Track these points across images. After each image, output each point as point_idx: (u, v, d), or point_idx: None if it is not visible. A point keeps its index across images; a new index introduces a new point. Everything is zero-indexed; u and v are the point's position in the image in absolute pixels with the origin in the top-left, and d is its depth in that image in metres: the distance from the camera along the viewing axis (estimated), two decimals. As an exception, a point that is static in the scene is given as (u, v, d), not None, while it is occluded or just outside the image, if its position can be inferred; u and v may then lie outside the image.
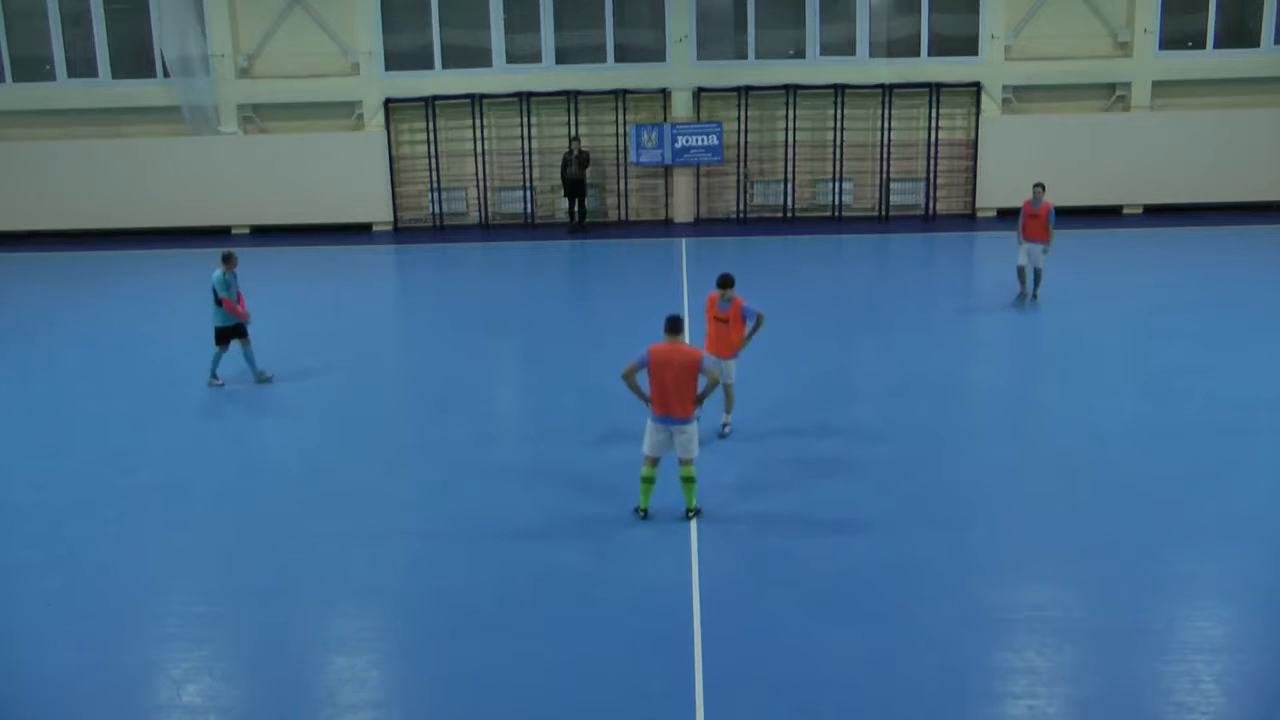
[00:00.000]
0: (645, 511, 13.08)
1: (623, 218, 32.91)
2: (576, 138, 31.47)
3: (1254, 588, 11.65)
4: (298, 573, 12.12)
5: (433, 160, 32.54)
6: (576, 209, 31.75)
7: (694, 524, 12.88)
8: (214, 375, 18.52)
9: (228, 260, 18.32)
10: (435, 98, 32.01)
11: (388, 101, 32.17)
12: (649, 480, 13.01)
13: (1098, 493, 13.85)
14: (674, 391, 12.62)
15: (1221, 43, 32.48)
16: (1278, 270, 26.06)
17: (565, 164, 31.42)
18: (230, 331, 18.39)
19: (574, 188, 31.54)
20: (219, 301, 18.09)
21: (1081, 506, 13.45)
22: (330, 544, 12.72)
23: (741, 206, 32.74)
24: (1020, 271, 22.75)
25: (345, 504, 13.79)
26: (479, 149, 32.44)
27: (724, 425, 15.82)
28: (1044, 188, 22.65)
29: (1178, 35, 32.50)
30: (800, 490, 13.95)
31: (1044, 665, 10.39)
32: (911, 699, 9.76)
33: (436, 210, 32.80)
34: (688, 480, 13.02)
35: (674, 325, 12.74)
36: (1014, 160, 31.45)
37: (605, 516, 13.17)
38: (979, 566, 12.06)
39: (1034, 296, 22.70)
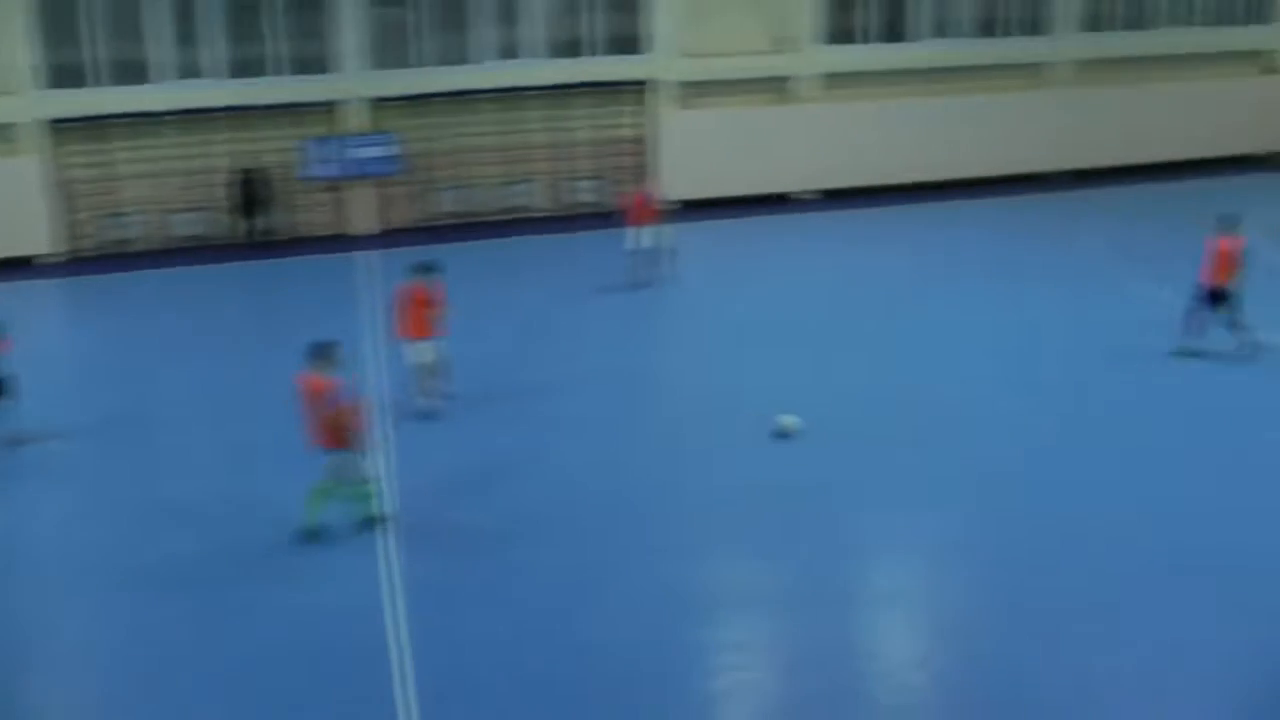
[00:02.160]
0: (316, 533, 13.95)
1: (301, 234, 33.18)
2: (251, 154, 31.83)
3: (946, 543, 13.98)
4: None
5: (103, 184, 32.07)
6: (253, 225, 32.11)
7: (386, 536, 14.04)
8: None
9: None
10: (101, 117, 31.55)
11: (50, 122, 31.37)
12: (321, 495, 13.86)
13: (776, 468, 16.10)
14: (313, 420, 13.51)
15: (879, 37, 35.60)
16: (924, 246, 29.51)
17: (238, 181, 31.76)
18: None
19: (250, 205, 31.94)
20: None
21: (755, 486, 15.65)
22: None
23: (425, 215, 33.60)
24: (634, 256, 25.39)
25: None
26: (149, 170, 32.17)
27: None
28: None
29: (839, 31, 35.29)
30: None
31: (743, 638, 12.19)
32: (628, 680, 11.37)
33: (112, 236, 32.34)
34: (354, 498, 14.00)
35: (317, 353, 13.63)
36: (690, 154, 33.46)
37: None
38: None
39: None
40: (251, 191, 31.78)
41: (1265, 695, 11.17)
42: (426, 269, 17.84)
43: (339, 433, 13.64)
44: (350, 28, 32.19)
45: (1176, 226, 29.06)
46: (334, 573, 13.52)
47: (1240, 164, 38.76)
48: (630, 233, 26.21)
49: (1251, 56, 39.90)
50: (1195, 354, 20.29)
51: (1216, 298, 20.00)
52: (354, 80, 32.49)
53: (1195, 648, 11.89)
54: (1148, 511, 14.81)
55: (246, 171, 31.65)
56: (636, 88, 33.95)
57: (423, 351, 17.75)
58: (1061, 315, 23.54)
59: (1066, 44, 37.58)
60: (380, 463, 15.45)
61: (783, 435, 17.45)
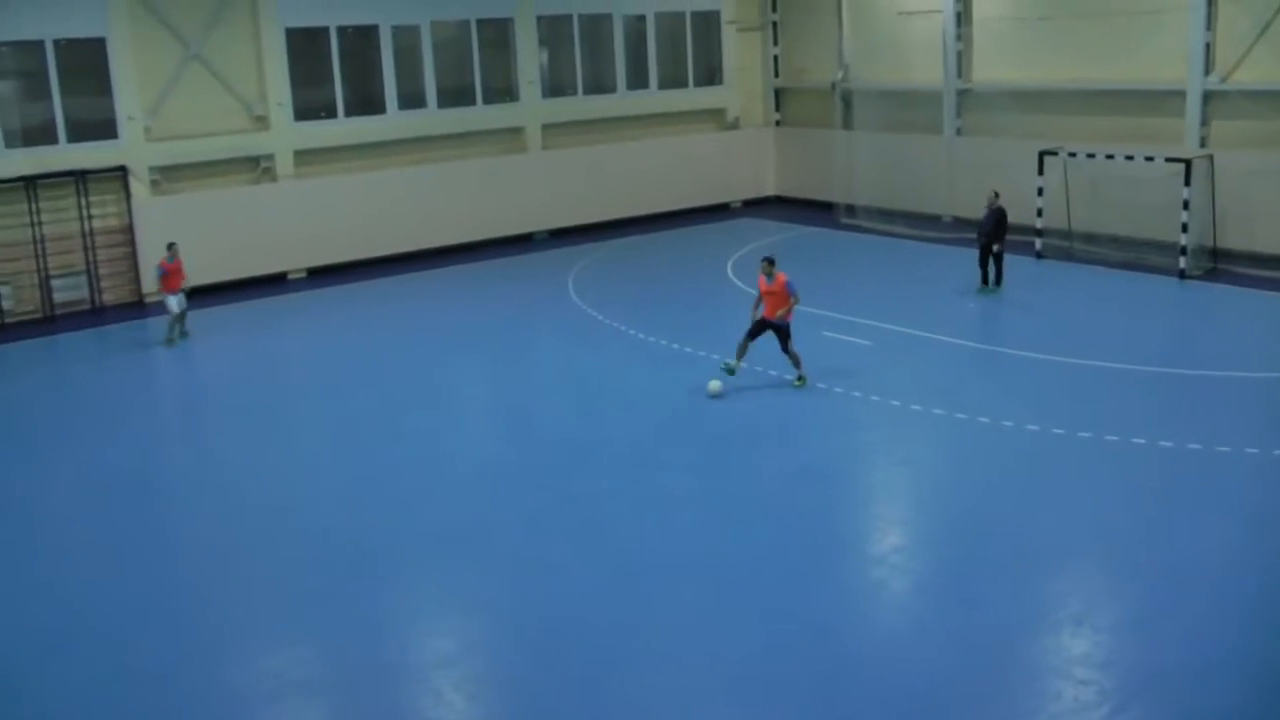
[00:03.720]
0: None
1: None
2: None
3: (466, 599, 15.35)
4: None
5: None
6: None
7: None
8: None
9: None
10: None
11: None
12: None
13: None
14: None
15: (351, 111, 37.57)
16: (436, 309, 31.82)
17: None
18: None
19: None
20: None
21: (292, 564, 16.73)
22: None
23: None
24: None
25: None
26: None
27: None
28: None
29: (311, 106, 36.96)
30: None
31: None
32: None
33: None
34: None
35: None
36: (173, 239, 34.12)
37: None
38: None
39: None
40: None
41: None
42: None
43: None
44: None
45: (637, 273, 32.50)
46: None
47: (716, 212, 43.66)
48: (170, 298, 28.87)
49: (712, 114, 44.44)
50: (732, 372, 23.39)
51: (764, 329, 23.01)
52: None
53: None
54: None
55: None
56: (114, 175, 34.07)
57: None
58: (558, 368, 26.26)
59: (534, 108, 40.71)
60: None
61: (716, 396, 22.15)
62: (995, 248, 29.38)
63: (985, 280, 29.80)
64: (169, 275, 29.69)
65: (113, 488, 20.46)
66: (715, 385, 22.53)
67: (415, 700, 13.32)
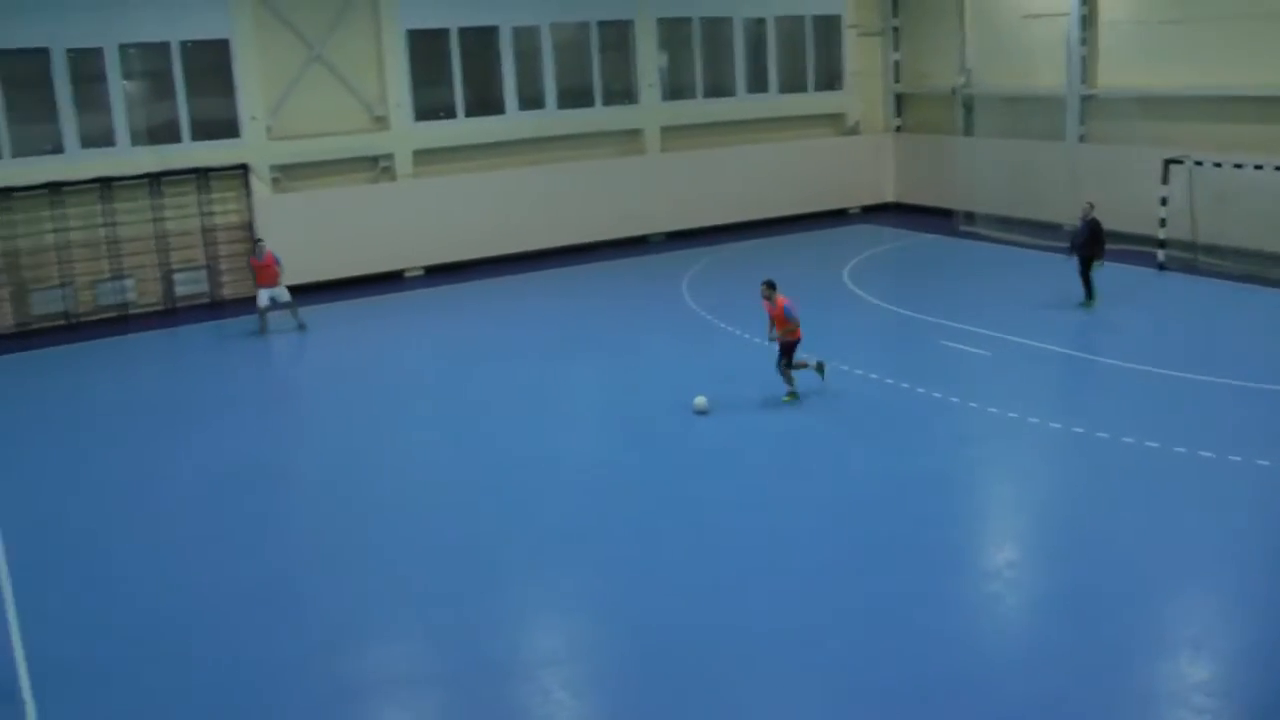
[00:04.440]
0: None
1: None
2: None
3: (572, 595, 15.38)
4: None
5: None
6: None
7: None
8: None
9: None
10: None
11: None
12: None
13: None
14: None
15: (471, 112, 37.72)
16: (549, 309, 31.91)
17: None
18: None
19: None
20: None
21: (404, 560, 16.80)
22: None
23: (19, 319, 32.86)
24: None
25: None
26: None
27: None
28: None
29: (430, 106, 37.21)
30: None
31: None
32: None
33: None
34: None
35: None
36: (292, 238, 34.33)
37: None
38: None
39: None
40: None
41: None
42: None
43: None
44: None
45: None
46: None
47: (833, 217, 43.13)
48: (262, 292, 29.95)
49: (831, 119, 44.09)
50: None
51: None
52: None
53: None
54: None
55: None
56: (236, 173, 34.63)
57: None
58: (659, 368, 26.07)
59: (653, 111, 40.65)
60: None
61: (702, 413, 21.71)
62: (1095, 262, 28.42)
63: (1089, 296, 28.97)
64: (259, 270, 30.45)
65: (230, 478, 20.65)
66: (701, 401, 22.12)
67: (523, 698, 13.24)
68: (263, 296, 30.40)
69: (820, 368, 23.09)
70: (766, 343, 22.88)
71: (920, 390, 23.00)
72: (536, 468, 20.27)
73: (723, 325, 28.53)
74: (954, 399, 22.38)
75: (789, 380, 22.67)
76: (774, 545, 16.74)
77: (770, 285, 22.36)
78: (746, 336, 26.97)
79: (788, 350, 22.48)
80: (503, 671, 13.77)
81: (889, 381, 23.53)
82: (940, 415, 21.87)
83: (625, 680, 13.59)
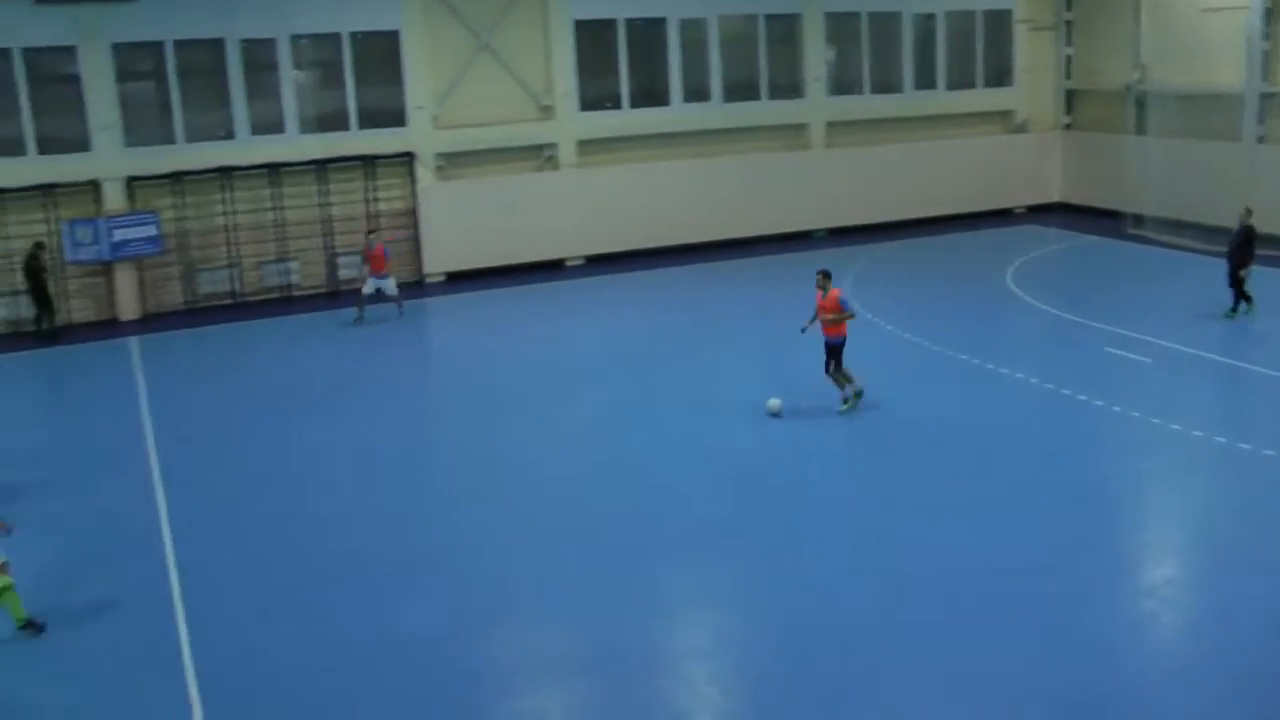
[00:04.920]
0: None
1: (68, 321, 32.71)
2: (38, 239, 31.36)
3: (725, 588, 15.16)
4: None
5: None
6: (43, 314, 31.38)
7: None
8: None
9: None
10: None
11: None
12: None
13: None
14: None
15: (636, 103, 37.58)
16: (708, 301, 31.58)
17: (33, 269, 31.07)
18: None
19: (43, 292, 31.26)
20: None
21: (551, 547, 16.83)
22: None
23: (189, 296, 33.85)
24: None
25: None
26: None
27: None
28: None
29: (596, 97, 37.11)
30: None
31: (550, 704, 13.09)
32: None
33: None
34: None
35: None
36: (455, 224, 34.74)
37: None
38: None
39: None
40: (38, 279, 31.04)
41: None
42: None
43: None
44: (102, 103, 32.49)
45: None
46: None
47: (998, 217, 42.03)
48: (371, 280, 30.31)
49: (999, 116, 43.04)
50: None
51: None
52: (109, 158, 32.73)
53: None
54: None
55: (34, 256, 31.06)
56: (401, 160, 35.03)
57: None
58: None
59: (818, 106, 40.02)
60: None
61: (775, 415, 21.32)
62: (1240, 271, 27.25)
63: (1235, 306, 27.78)
64: (370, 260, 30.70)
65: (379, 456, 20.98)
66: (774, 404, 21.72)
67: (669, 690, 13.10)
68: (370, 285, 30.71)
69: (858, 396, 22.08)
70: (800, 333, 22.01)
71: (1081, 397, 22.29)
72: (691, 458, 20.10)
73: (887, 326, 27.86)
74: (1115, 408, 21.65)
75: (843, 384, 21.92)
76: (925, 549, 16.34)
77: (825, 275, 21.74)
78: (908, 337, 26.35)
79: (835, 352, 21.72)
80: (649, 661, 13.66)
81: (1049, 387, 22.92)
82: (1100, 424, 21.14)
83: (771, 679, 13.34)
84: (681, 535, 16.97)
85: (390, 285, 30.78)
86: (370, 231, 31.52)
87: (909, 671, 13.15)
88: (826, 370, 21.79)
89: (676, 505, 18.00)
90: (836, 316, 21.21)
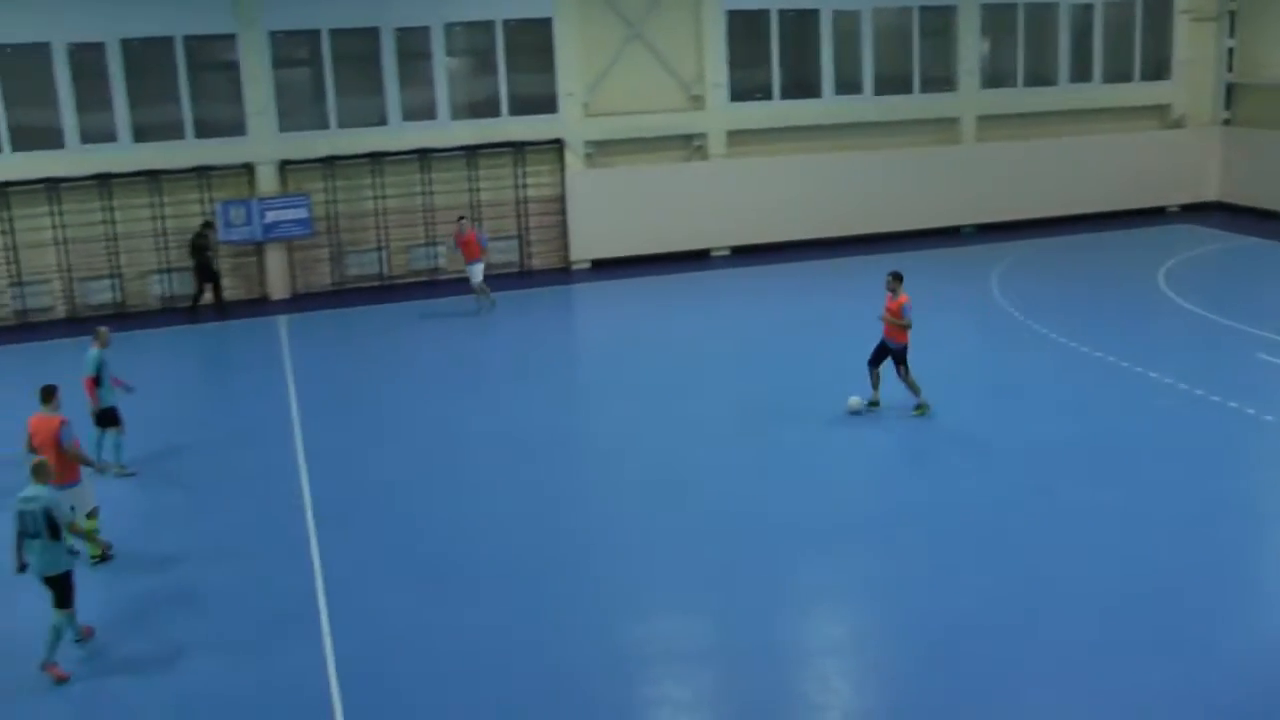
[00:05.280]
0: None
1: (218, 299, 33.36)
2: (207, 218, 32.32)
3: (865, 583, 14.86)
4: None
5: (10, 253, 32.44)
6: (209, 291, 32.39)
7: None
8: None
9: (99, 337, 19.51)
10: (6, 184, 31.88)
11: None
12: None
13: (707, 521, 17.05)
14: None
15: (786, 94, 37.19)
16: (850, 296, 30.19)
17: (199, 247, 32.11)
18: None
19: (207, 270, 32.25)
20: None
21: (693, 537, 16.56)
22: None
23: (337, 278, 34.51)
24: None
25: None
26: (59, 237, 32.67)
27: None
28: None
29: (746, 88, 36.81)
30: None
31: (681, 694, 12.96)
32: None
33: (21, 306, 32.55)
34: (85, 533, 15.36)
35: (44, 395, 15.73)
36: (602, 212, 34.69)
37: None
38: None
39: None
40: (202, 257, 32.14)
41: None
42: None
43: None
44: (258, 89, 33.13)
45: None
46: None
47: (1150, 215, 40.81)
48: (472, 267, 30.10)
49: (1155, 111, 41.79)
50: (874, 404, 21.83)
51: (884, 354, 21.47)
52: (263, 142, 33.36)
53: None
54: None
55: (201, 235, 32.08)
56: (550, 147, 35.11)
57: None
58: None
59: (971, 99, 39.28)
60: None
61: (855, 413, 21.18)
62: None
63: None
64: (461, 245, 30.40)
65: (523, 440, 21.09)
66: (855, 402, 21.44)
67: (800, 683, 12.99)
68: (475, 271, 30.35)
69: (873, 404, 21.77)
70: (877, 319, 21.36)
71: (1231, 404, 21.53)
72: (832, 452, 19.87)
73: (1034, 325, 27.26)
74: (1268, 417, 20.83)
75: (914, 390, 21.41)
76: (1067, 553, 15.97)
77: (897, 277, 21.21)
78: (1053, 336, 25.79)
79: (900, 357, 21.24)
80: (783, 655, 13.51)
81: (1198, 393, 22.18)
82: (1250, 433, 20.36)
83: (904, 678, 13.09)
84: (815, 528, 16.78)
85: (477, 273, 30.35)
86: (461, 217, 31.27)
87: (1043, 674, 12.96)
88: (870, 363, 21.60)
89: (809, 499, 17.78)
90: (896, 322, 20.86)
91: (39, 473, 13.61)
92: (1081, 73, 40.40)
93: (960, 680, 12.74)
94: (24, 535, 13.37)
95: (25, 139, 32.22)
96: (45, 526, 13.24)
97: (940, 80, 38.92)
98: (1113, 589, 14.84)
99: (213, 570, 16.19)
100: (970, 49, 38.61)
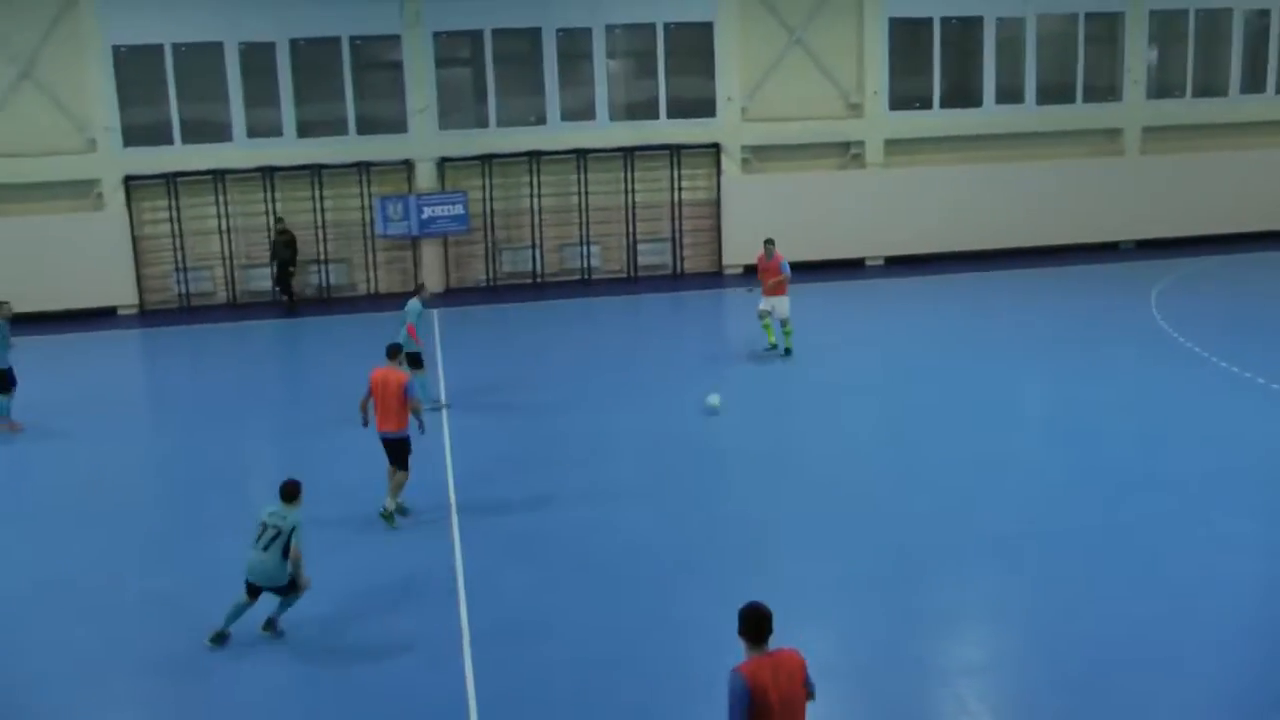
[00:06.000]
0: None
1: (373, 290, 34.60)
2: (280, 218, 33.33)
3: (1005, 609, 14.44)
4: None
5: (176, 239, 33.67)
6: (284, 288, 33.38)
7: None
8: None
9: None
10: (176, 174, 33.19)
11: (127, 179, 33.07)
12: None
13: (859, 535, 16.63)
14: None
15: (946, 103, 36.65)
16: (1008, 310, 30.34)
17: (276, 245, 33.05)
18: None
19: (282, 269, 33.21)
20: None
21: (844, 548, 16.19)
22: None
23: (491, 275, 34.99)
24: (762, 316, 25.65)
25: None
26: (223, 226, 33.70)
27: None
28: (773, 242, 25.65)
29: (906, 96, 36.38)
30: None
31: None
32: None
33: (183, 290, 33.91)
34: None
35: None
36: (756, 218, 34.06)
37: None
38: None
39: (786, 351, 25.59)
40: (283, 254, 33.17)
41: None
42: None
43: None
44: (420, 87, 33.74)
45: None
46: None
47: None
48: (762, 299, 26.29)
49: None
50: None
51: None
52: (423, 139, 33.99)
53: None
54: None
55: (279, 234, 32.99)
56: (707, 151, 35.11)
57: None
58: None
59: (1136, 109, 38.28)
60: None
61: (712, 412, 21.22)
62: None
63: None
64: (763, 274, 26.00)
65: (668, 441, 20.89)
66: (714, 400, 21.43)
67: (936, 703, 12.54)
68: (764, 303, 25.69)
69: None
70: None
71: None
72: (978, 469, 19.20)
73: (1194, 347, 26.21)
74: None
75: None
76: (1213, 585, 15.03)
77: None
78: (1214, 359, 24.96)
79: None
80: (920, 672, 13.08)
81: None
82: None
83: (1046, 703, 12.53)
84: (962, 544, 16.28)
85: (782, 308, 25.73)
86: (767, 240, 26.13)
87: (1187, 700, 12.43)
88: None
89: (958, 516, 17.25)
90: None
91: (288, 495, 13.69)
92: (1255, 83, 38.89)
93: (1101, 709, 12.33)
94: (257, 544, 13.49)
95: (195, 132, 33.31)
96: (281, 546, 13.37)
97: (1104, 89, 37.97)
98: (1266, 609, 14.44)
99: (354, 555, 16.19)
100: (1137, 57, 37.64)
